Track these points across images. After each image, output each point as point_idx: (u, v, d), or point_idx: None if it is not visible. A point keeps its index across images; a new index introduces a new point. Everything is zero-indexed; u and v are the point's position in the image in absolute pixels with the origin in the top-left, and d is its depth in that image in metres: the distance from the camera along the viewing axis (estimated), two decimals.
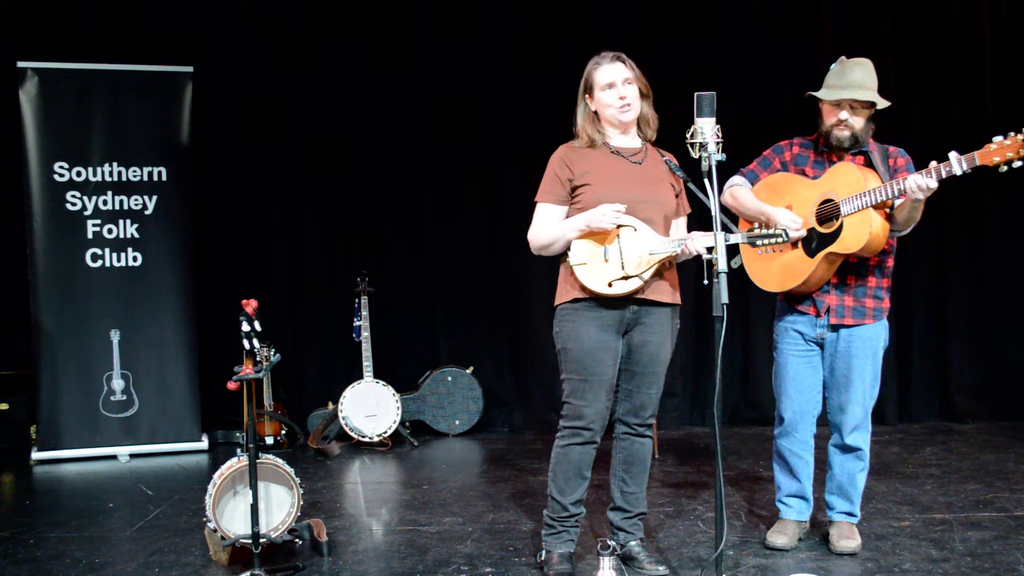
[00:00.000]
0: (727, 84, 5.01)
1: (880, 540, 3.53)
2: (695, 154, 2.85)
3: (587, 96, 3.21)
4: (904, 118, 5.73)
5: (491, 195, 5.88)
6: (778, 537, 3.46)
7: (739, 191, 3.43)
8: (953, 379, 5.88)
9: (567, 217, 3.18)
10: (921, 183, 3.04)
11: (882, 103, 3.29)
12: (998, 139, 2.99)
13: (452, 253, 6.01)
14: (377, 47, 5.84)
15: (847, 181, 3.25)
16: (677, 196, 3.24)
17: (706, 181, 2.88)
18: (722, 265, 2.77)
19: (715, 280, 2.77)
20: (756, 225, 2.91)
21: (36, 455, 5.23)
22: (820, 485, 3.57)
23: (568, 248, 3.13)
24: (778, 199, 3.40)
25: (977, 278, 5.88)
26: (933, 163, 3.06)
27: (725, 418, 5.81)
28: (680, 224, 3.28)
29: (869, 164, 3.32)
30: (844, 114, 3.27)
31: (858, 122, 3.28)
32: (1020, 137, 2.95)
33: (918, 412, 5.89)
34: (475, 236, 5.97)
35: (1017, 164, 2.95)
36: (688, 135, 2.85)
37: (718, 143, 2.83)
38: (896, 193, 3.14)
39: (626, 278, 3.05)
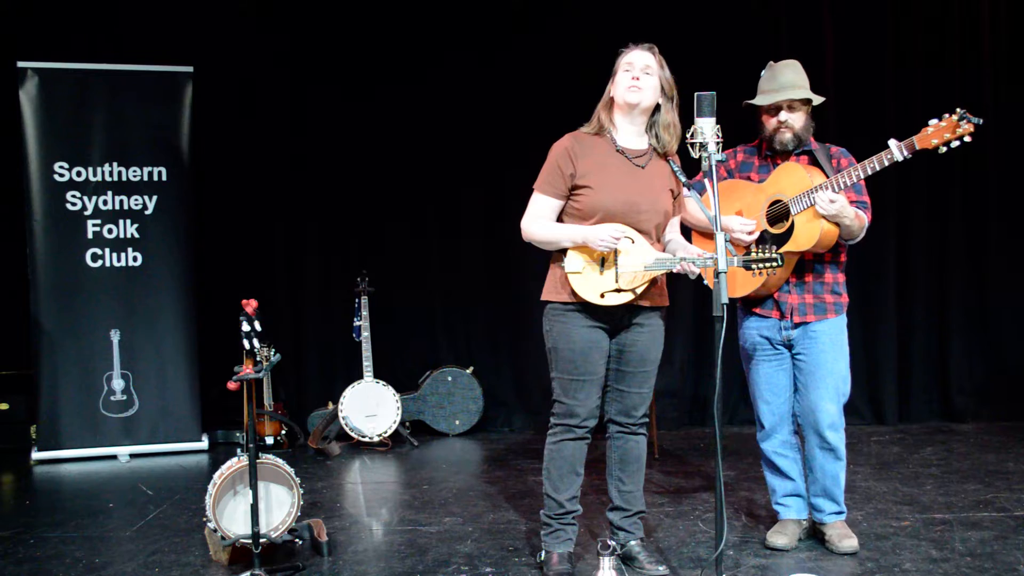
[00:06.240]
0: (727, 84, 4.99)
1: (880, 540, 3.53)
2: (695, 154, 2.87)
3: (611, 81, 3.19)
4: (905, 117, 5.73)
5: (491, 195, 5.87)
6: (778, 537, 3.46)
7: (687, 203, 3.39)
8: (953, 379, 5.88)
9: (562, 210, 3.18)
10: (829, 197, 3.14)
11: (816, 99, 3.35)
12: (934, 122, 3.08)
13: (452, 253, 6.01)
14: (377, 48, 5.84)
15: (793, 180, 3.30)
16: (675, 198, 3.24)
17: (706, 181, 2.88)
18: (722, 265, 2.78)
19: (715, 280, 2.78)
20: (751, 249, 2.94)
21: (36, 455, 5.23)
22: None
23: (560, 251, 3.15)
24: (728, 206, 3.43)
25: (978, 278, 5.87)
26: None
27: (725, 418, 5.81)
28: (674, 224, 3.29)
29: (814, 162, 3.36)
30: (784, 115, 3.33)
31: (798, 120, 3.34)
32: (954, 118, 3.03)
33: (918, 412, 5.88)
34: (475, 236, 5.97)
35: (955, 144, 3.05)
36: (688, 135, 2.87)
37: (718, 143, 2.85)
38: (841, 187, 3.19)
39: (619, 291, 3.06)
